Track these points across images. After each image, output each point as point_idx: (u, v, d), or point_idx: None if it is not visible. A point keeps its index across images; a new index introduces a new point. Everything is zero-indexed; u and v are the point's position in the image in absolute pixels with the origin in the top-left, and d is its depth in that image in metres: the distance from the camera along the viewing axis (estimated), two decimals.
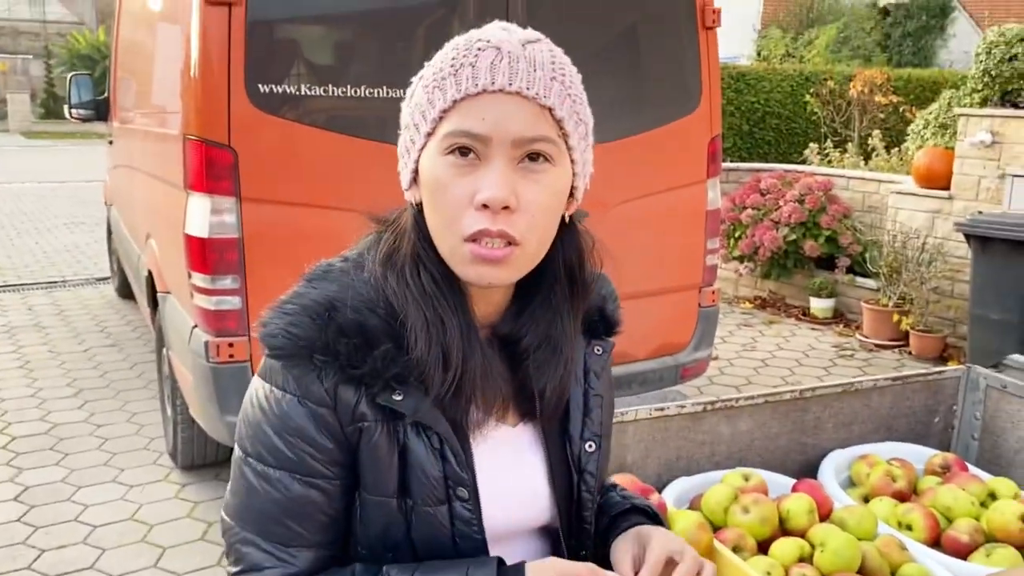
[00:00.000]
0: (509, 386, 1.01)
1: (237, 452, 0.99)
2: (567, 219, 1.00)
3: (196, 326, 3.11)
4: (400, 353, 0.93)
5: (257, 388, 0.98)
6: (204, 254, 2.93)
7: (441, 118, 0.91)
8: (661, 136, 3.66)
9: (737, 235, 6.86)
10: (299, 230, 2.97)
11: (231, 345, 2.98)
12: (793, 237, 6.50)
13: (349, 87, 3.03)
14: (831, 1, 17.77)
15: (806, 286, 6.74)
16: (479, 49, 0.90)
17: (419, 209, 0.97)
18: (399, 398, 0.93)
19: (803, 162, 8.24)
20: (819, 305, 6.61)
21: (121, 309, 6.91)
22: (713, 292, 3.98)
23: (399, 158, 0.99)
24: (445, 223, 0.92)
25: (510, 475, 1.02)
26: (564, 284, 1.03)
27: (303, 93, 2.99)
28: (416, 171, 0.95)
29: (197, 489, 3.78)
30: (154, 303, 4.04)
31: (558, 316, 1.02)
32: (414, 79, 0.97)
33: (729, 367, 5.58)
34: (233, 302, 2.95)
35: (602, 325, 1.14)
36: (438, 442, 0.95)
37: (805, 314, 6.73)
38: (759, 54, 15.12)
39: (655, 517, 1.15)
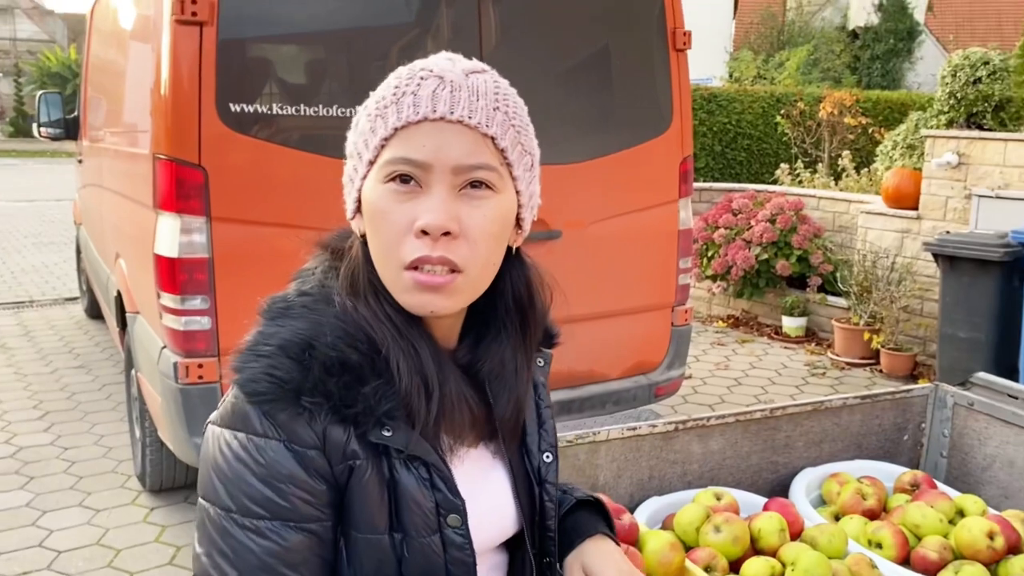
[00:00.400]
0: (476, 410, 1.01)
1: (213, 509, 0.91)
2: (514, 251, 1.02)
3: (165, 347, 3.08)
4: (389, 388, 0.92)
5: (226, 439, 0.91)
6: (173, 274, 2.90)
7: (383, 146, 0.91)
8: (633, 156, 3.69)
9: (710, 254, 6.91)
10: (270, 250, 2.95)
11: (200, 366, 2.94)
12: (765, 256, 6.56)
13: (321, 107, 3.03)
14: (801, 24, 18.05)
15: (778, 305, 6.80)
16: (421, 78, 0.91)
17: (364, 239, 0.96)
18: (389, 434, 0.91)
19: (774, 182, 8.33)
20: (791, 324, 6.66)
21: (90, 330, 6.82)
22: (686, 311, 4.00)
23: (344, 187, 0.99)
24: (385, 251, 0.92)
25: (482, 495, 1.03)
26: (515, 316, 1.04)
27: (275, 112, 2.98)
28: (359, 200, 0.95)
29: (166, 513, 3.72)
30: (123, 323, 3.99)
31: (511, 347, 1.03)
32: (359, 108, 0.97)
33: (703, 385, 5.60)
34: (203, 323, 2.92)
35: (543, 337, 1.14)
36: (426, 472, 0.94)
37: (778, 333, 6.77)
38: (731, 75, 15.30)
39: (598, 506, 1.20)
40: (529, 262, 1.06)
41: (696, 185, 7.77)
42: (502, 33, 3.40)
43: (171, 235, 2.90)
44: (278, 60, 3.19)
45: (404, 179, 0.90)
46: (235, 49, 2.93)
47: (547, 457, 1.10)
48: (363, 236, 0.96)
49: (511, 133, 0.94)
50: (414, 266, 0.90)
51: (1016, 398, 2.05)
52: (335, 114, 3.03)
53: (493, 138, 0.92)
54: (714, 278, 6.92)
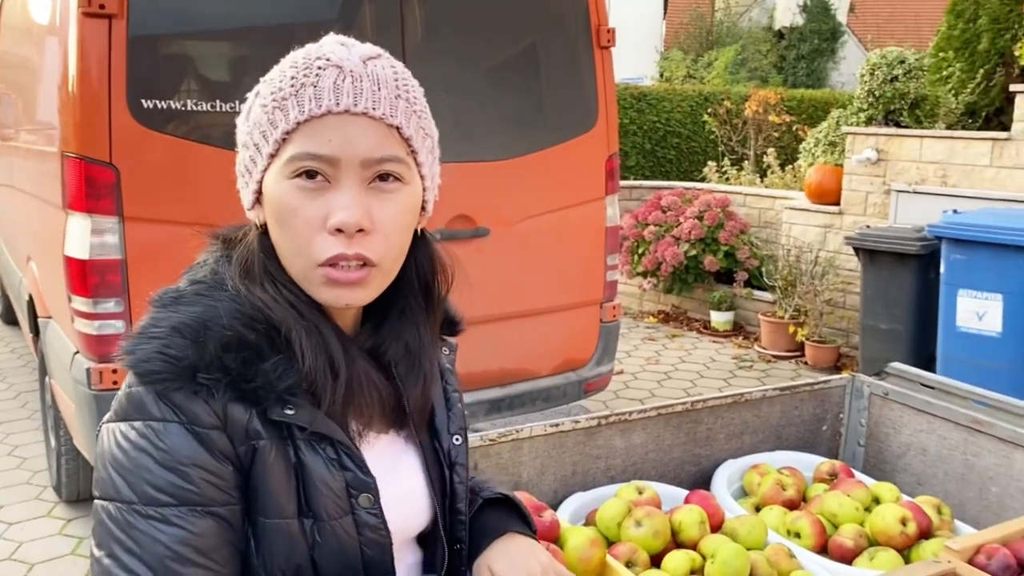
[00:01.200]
0: (384, 393, 1.00)
1: (113, 506, 0.86)
2: (419, 232, 1.02)
3: (78, 352, 2.96)
4: (290, 364, 0.90)
5: (121, 431, 0.88)
6: (85, 277, 2.79)
7: (284, 140, 0.89)
8: (560, 154, 3.69)
9: (641, 251, 6.98)
10: (188, 250, 2.86)
11: (115, 371, 2.84)
12: (694, 253, 6.65)
13: (239, 103, 2.92)
14: (729, 24, 18.36)
15: (707, 300, 6.90)
16: (319, 68, 0.89)
17: (264, 230, 0.95)
18: (291, 412, 0.89)
19: (703, 179, 8.45)
20: (719, 318, 6.77)
21: (5, 336, 6.56)
22: (614, 307, 4.02)
23: (239, 176, 0.97)
24: (296, 248, 0.91)
25: (394, 480, 1.01)
26: (419, 297, 1.04)
27: (190, 108, 2.89)
28: (259, 192, 0.94)
29: (83, 524, 3.59)
30: (36, 329, 3.84)
31: (415, 328, 1.03)
32: (249, 95, 0.95)
33: (634, 380, 5.65)
34: (116, 326, 2.82)
35: (446, 325, 1.14)
36: (334, 452, 0.92)
37: (706, 327, 6.87)
38: (662, 75, 15.50)
39: (509, 504, 1.19)
40: (432, 243, 1.05)
41: (627, 183, 7.85)
42: (426, 30, 3.36)
43: (82, 236, 2.79)
44: (194, 55, 3.09)
45: (310, 174, 0.88)
46: (147, 43, 2.83)
47: (456, 439, 1.10)
48: (262, 226, 0.95)
49: (414, 120, 0.93)
50: (330, 263, 0.89)
51: (929, 387, 2.10)
52: None
53: (398, 128, 0.91)
54: (645, 274, 6.99)
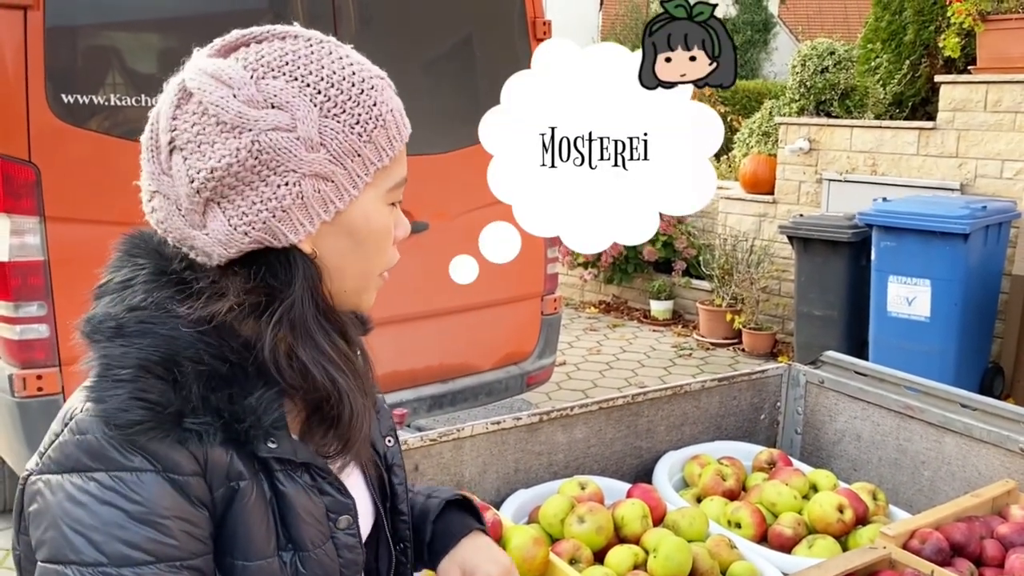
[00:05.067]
0: None
1: (74, 570, 0.77)
2: None
3: (0, 358, 2.85)
4: (274, 396, 0.85)
5: (73, 484, 0.78)
6: (5, 279, 2.68)
7: (384, 167, 0.89)
8: None
9: None
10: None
11: (39, 377, 2.74)
12: None
13: None
14: None
15: (646, 289, 6.96)
16: (373, 88, 0.87)
17: (310, 258, 0.88)
18: (275, 445, 0.85)
19: None
20: (659, 307, 6.84)
21: None
22: (555, 300, 4.02)
23: (293, 210, 0.84)
24: (372, 261, 0.93)
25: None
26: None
27: (114, 103, 2.79)
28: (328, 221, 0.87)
29: (7, 536, 3.46)
30: None
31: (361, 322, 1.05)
32: (297, 116, 0.82)
33: (576, 371, 5.67)
34: (40, 330, 2.71)
35: (357, 325, 1.09)
36: (311, 479, 0.89)
37: (647, 316, 6.94)
38: None
39: (466, 504, 1.20)
40: None
41: None
42: (360, 22, 3.31)
43: (1, 237, 2.67)
44: (117, 47, 2.98)
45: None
46: (66, 36, 2.73)
47: (389, 441, 1.10)
48: (311, 254, 0.87)
49: None
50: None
51: (862, 375, 2.14)
52: None
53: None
54: (585, 265, 7.02)
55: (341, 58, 0.86)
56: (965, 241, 4.22)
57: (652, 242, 6.67)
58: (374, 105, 0.85)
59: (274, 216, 0.83)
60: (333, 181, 0.84)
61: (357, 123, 0.84)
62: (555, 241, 3.98)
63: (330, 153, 0.83)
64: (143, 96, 2.83)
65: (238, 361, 0.84)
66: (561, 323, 4.35)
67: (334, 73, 0.84)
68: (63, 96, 2.68)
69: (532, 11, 3.72)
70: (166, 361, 0.80)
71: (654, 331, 6.67)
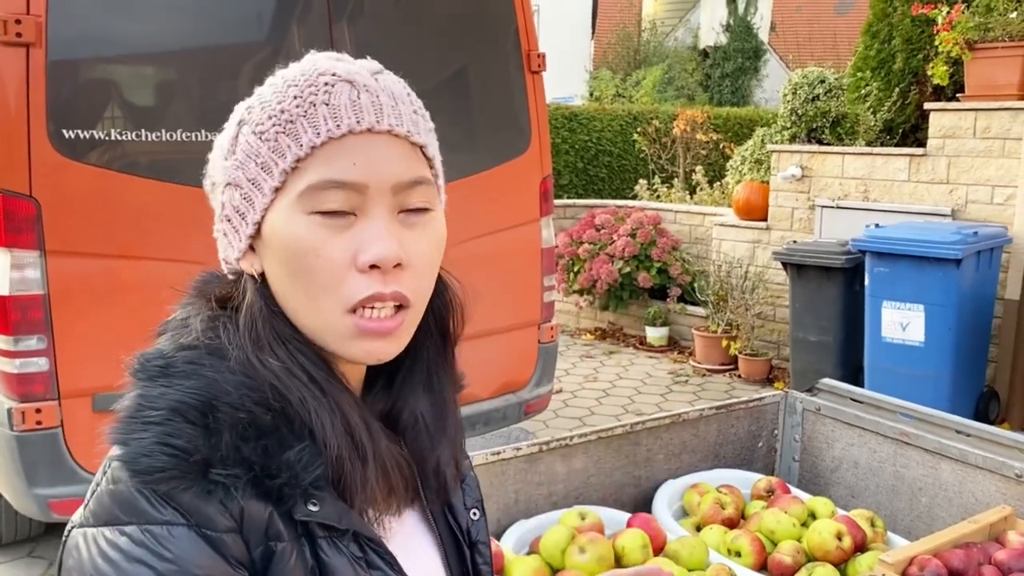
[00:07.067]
0: (406, 470, 0.85)
1: None
2: None
3: None
4: (315, 452, 0.75)
5: (107, 538, 0.70)
6: (5, 313, 2.69)
7: (294, 169, 0.76)
8: (494, 177, 3.71)
9: (576, 269, 7.04)
10: (114, 283, 2.79)
11: (39, 411, 2.73)
12: (627, 269, 6.73)
13: (164, 131, 2.89)
14: (656, 43, 18.72)
15: (642, 316, 6.99)
16: (327, 84, 0.76)
17: (262, 280, 0.80)
18: (316, 508, 0.75)
19: (634, 197, 8.58)
20: (654, 334, 6.86)
21: None
22: (552, 328, 4.04)
23: (221, 222, 0.82)
24: (318, 293, 0.76)
25: (411, 570, 0.85)
26: (437, 339, 0.89)
27: (114, 138, 2.82)
28: (254, 236, 0.79)
29: (7, 570, 3.44)
30: None
31: (435, 378, 0.89)
32: (227, 127, 0.82)
33: (573, 399, 5.67)
34: (39, 364, 2.72)
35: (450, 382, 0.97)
36: (359, 550, 0.78)
37: (642, 343, 6.96)
38: (591, 94, 15.70)
39: None
40: (447, 277, 0.91)
41: (561, 202, 7.91)
42: (357, 54, 3.34)
43: (1, 271, 2.69)
44: (117, 82, 3.02)
45: (337, 210, 0.76)
46: (67, 72, 2.76)
47: (475, 514, 0.96)
48: (259, 276, 0.80)
49: (432, 138, 0.83)
50: (361, 306, 0.76)
51: (859, 402, 2.16)
52: (180, 139, 2.90)
53: (422, 147, 0.80)
54: (581, 292, 7.05)
55: (297, 66, 0.80)
56: (958, 266, 4.26)
57: (647, 269, 6.71)
58: (297, 98, 0.76)
59: (223, 233, 0.82)
60: (240, 187, 0.78)
61: (271, 118, 0.77)
62: (550, 269, 4.00)
63: (236, 158, 0.79)
64: (143, 131, 2.86)
65: (281, 412, 0.75)
66: (558, 350, 4.36)
67: (282, 79, 0.79)
68: (64, 131, 2.71)
69: (526, 44, 3.78)
70: (202, 405, 0.73)
71: (650, 357, 6.68)
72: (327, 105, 0.75)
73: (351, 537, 0.78)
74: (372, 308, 0.76)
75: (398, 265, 0.76)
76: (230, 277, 0.84)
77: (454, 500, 0.94)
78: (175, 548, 0.70)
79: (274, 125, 0.76)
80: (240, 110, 0.81)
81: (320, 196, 0.75)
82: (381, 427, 0.83)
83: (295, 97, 0.76)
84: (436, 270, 0.83)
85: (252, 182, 0.77)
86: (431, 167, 0.82)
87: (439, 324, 0.89)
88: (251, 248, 0.80)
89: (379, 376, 0.87)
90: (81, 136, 2.75)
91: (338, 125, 0.75)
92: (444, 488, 0.90)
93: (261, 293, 0.80)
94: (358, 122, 0.75)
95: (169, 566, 0.69)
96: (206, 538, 0.71)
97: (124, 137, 2.84)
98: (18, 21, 2.61)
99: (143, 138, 2.86)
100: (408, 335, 0.81)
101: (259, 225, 0.78)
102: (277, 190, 0.76)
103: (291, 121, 0.76)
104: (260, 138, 0.77)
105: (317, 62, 0.79)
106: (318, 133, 0.75)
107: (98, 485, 0.75)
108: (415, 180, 0.78)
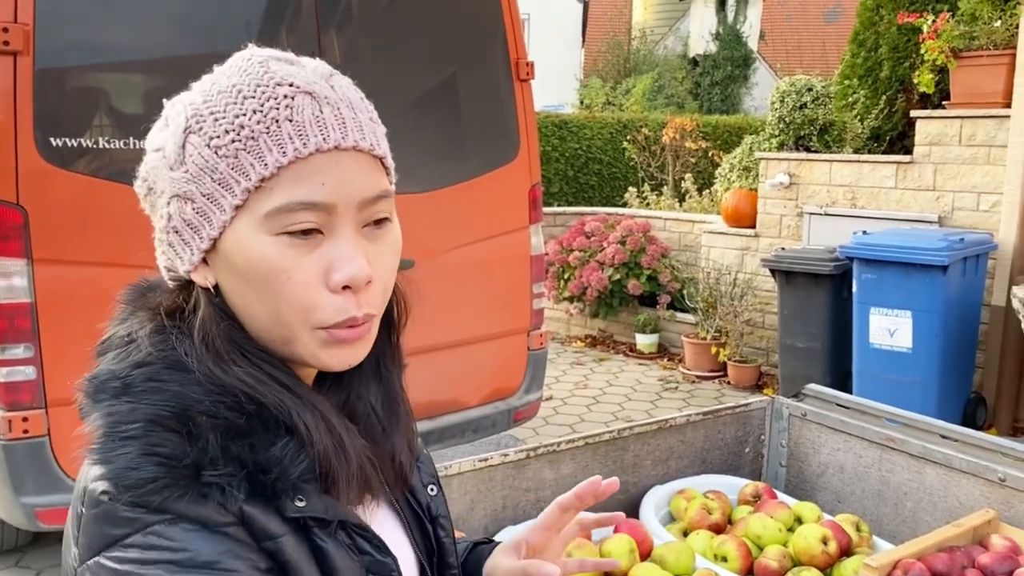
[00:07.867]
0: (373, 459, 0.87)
1: None
2: None
3: None
4: (300, 447, 0.76)
5: (116, 558, 0.69)
6: None
7: (258, 188, 0.74)
8: (483, 184, 3.72)
9: (566, 277, 7.05)
10: (102, 291, 2.77)
11: (26, 419, 2.73)
12: (617, 277, 6.75)
13: None
14: (646, 52, 18.81)
15: (632, 323, 7.00)
16: (287, 96, 0.74)
17: (212, 291, 0.79)
18: (303, 503, 0.76)
19: (624, 205, 8.60)
20: (644, 340, 6.87)
21: None
22: (541, 335, 4.05)
23: (169, 232, 0.79)
24: (287, 312, 0.76)
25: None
26: (382, 329, 0.88)
27: (102, 146, 2.82)
28: (208, 250, 0.78)
29: None
30: None
31: (383, 367, 0.91)
32: (169, 132, 0.78)
33: (563, 406, 5.68)
34: (26, 372, 2.71)
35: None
36: (347, 536, 0.80)
37: (632, 350, 6.97)
38: (582, 102, 15.76)
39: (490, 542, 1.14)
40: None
41: (551, 209, 7.94)
42: (345, 62, 3.36)
43: None
44: (105, 90, 3.02)
45: (305, 231, 0.75)
46: (55, 80, 2.76)
47: (432, 490, 0.99)
48: (212, 288, 0.79)
49: (386, 143, 0.82)
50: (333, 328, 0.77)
51: (844, 407, 2.17)
52: None
53: (382, 158, 0.80)
54: (571, 299, 7.06)
55: (246, 71, 0.76)
56: (944, 273, 4.28)
57: (637, 276, 6.73)
58: (257, 112, 0.74)
59: (168, 244, 0.80)
60: (193, 201, 0.76)
61: (228, 132, 0.74)
62: (540, 276, 4.01)
63: (188, 170, 0.76)
64: (131, 139, 2.86)
65: (256, 414, 0.76)
66: (547, 358, 4.37)
67: (222, 85, 0.77)
68: (52, 139, 2.71)
69: (515, 52, 3.80)
70: (177, 414, 0.73)
71: (640, 364, 6.69)
72: (291, 122, 0.74)
73: (338, 526, 0.79)
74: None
75: (369, 282, 0.77)
76: (170, 285, 0.83)
77: (411, 479, 0.96)
78: (184, 539, 0.69)
79: (233, 141, 0.74)
80: (181, 114, 0.78)
81: (289, 217, 0.74)
82: (346, 420, 0.84)
83: (255, 111, 0.74)
84: (394, 275, 0.84)
85: (208, 197, 0.75)
86: (389, 175, 0.82)
87: (384, 313, 0.88)
88: (203, 261, 0.79)
89: (327, 373, 0.86)
90: (69, 144, 2.75)
91: (304, 144, 0.73)
92: (403, 474, 0.92)
93: (218, 306, 0.79)
94: (324, 140, 0.74)
95: (185, 554, 0.68)
96: (211, 531, 0.70)
97: (112, 145, 2.84)
98: (5, 29, 2.61)
99: (131, 146, 2.86)
100: (374, 335, 0.82)
101: (215, 240, 0.77)
102: (238, 208, 0.75)
103: (252, 138, 0.73)
104: (217, 153, 0.74)
105: (268, 66, 0.77)
106: (284, 152, 0.73)
107: (80, 517, 0.73)
108: (380, 195, 0.78)
